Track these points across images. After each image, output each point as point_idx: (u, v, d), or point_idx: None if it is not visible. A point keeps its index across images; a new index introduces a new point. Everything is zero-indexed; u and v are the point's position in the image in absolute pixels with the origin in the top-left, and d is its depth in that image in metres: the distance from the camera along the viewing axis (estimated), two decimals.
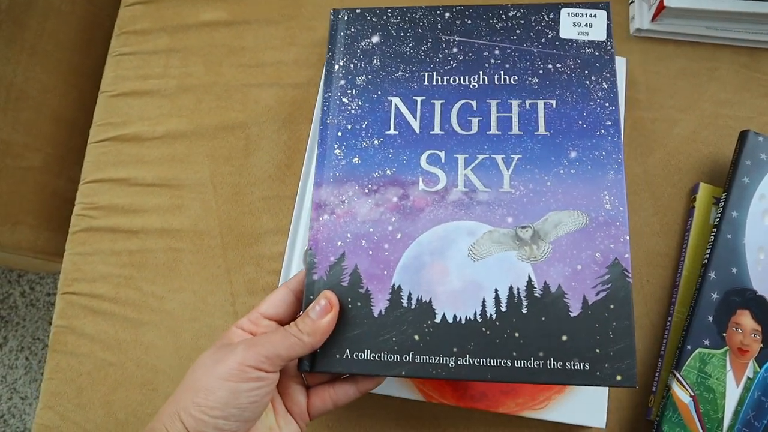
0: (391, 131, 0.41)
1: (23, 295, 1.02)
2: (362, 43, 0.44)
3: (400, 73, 0.43)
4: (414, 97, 0.42)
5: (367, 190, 0.40)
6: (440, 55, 0.43)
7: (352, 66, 0.43)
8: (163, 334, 0.50)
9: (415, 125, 0.42)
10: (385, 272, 0.38)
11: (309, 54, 0.55)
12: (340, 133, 0.42)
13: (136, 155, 0.55)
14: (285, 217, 0.51)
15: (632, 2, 0.56)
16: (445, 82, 0.43)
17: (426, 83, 0.43)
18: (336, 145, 0.41)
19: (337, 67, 0.44)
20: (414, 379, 0.46)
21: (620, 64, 0.53)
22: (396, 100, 0.42)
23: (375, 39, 0.44)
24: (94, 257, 0.53)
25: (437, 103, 0.42)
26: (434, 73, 0.43)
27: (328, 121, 0.42)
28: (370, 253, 0.39)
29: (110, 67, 0.58)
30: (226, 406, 0.32)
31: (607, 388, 0.44)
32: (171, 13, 0.58)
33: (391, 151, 0.41)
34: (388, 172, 0.41)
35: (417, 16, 0.44)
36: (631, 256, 0.49)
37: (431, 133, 0.41)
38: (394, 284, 0.38)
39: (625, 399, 0.47)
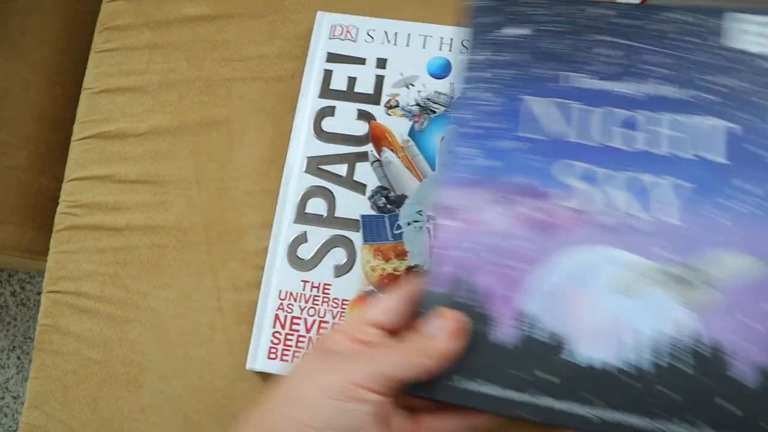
0: (536, 135, 0.35)
1: (14, 295, 1.02)
2: (507, 33, 0.38)
3: (540, 70, 0.37)
4: (558, 99, 0.36)
5: (499, 198, 0.35)
6: (598, 57, 0.36)
7: (494, 58, 0.37)
8: (148, 331, 0.50)
9: (567, 131, 0.35)
10: (512, 294, 0.33)
11: (292, 47, 0.55)
12: (473, 131, 0.36)
13: (119, 152, 0.54)
14: (269, 212, 0.51)
15: None
16: (586, 87, 0.36)
17: (572, 84, 0.36)
18: (467, 144, 0.36)
19: (475, 57, 0.38)
20: None
21: None
22: (532, 101, 0.36)
23: (522, 31, 0.38)
24: (79, 255, 0.52)
25: (575, 107, 0.36)
26: (574, 74, 0.36)
27: (459, 116, 0.37)
28: (497, 270, 0.33)
29: (92, 63, 0.57)
30: (328, 427, 0.28)
31: None
32: (153, 8, 0.58)
33: (529, 156, 0.35)
34: (526, 180, 0.35)
35: (571, 12, 0.38)
36: None
37: (582, 142, 0.35)
38: (520, 309, 0.33)
39: None
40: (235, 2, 0.57)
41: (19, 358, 1.01)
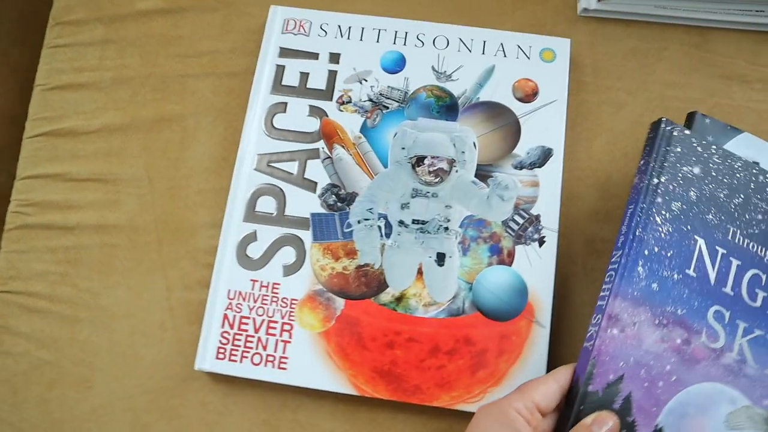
0: (691, 271, 0.41)
1: None
2: (684, 169, 0.43)
3: (710, 216, 0.42)
4: (716, 247, 0.42)
5: (657, 321, 0.40)
6: (747, 216, 0.42)
7: (671, 187, 0.42)
8: (99, 331, 0.49)
9: (712, 275, 0.41)
10: (653, 409, 0.39)
11: (245, 41, 0.54)
12: (646, 252, 0.41)
13: (71, 150, 0.53)
14: (221, 211, 0.50)
15: None
16: (745, 245, 0.42)
17: (729, 238, 0.42)
18: (641, 262, 0.40)
19: (656, 181, 0.42)
20: (348, 370, 0.45)
21: (564, 45, 0.51)
22: (701, 243, 0.41)
23: (696, 170, 0.43)
24: (30, 255, 0.52)
25: (734, 263, 0.41)
26: (738, 231, 0.42)
27: (638, 233, 0.41)
28: (645, 385, 0.39)
29: (45, 59, 0.56)
30: None
31: None
32: (106, 2, 0.57)
33: (686, 291, 0.40)
34: (679, 311, 0.40)
35: (736, 166, 0.43)
36: (573, 242, 0.48)
37: (723, 289, 0.41)
38: (657, 424, 0.38)
39: None
40: None
41: None
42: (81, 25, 0.56)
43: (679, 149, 0.43)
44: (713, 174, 0.43)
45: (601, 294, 0.42)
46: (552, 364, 0.45)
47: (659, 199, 0.42)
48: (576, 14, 0.54)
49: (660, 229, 0.41)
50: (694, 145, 0.43)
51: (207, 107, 0.53)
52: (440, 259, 0.46)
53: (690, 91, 0.52)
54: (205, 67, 0.54)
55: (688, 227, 0.42)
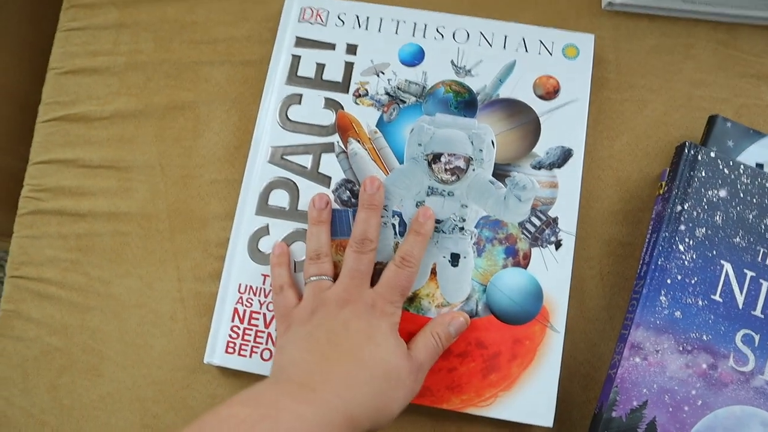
0: (717, 297, 0.41)
1: None
2: (709, 193, 0.43)
3: (738, 239, 0.42)
4: (745, 270, 0.42)
5: (681, 348, 0.41)
6: None
7: (695, 213, 0.42)
8: (109, 319, 0.49)
9: (740, 299, 0.41)
10: None
11: (261, 29, 0.53)
12: (669, 281, 0.41)
13: (83, 136, 0.53)
14: (233, 202, 0.49)
15: None
16: None
17: (759, 259, 0.42)
18: (663, 291, 0.41)
19: (680, 208, 0.42)
20: None
21: (587, 42, 0.50)
22: (728, 267, 0.42)
23: (722, 193, 0.43)
24: (42, 240, 0.51)
25: (764, 285, 0.41)
26: None
27: (660, 263, 0.42)
28: (670, 410, 0.40)
29: (59, 42, 0.55)
30: None
31: (557, 385, 0.43)
32: None
33: (712, 317, 0.41)
34: (704, 337, 0.41)
35: (767, 184, 0.43)
36: (590, 244, 0.48)
37: (752, 312, 0.41)
38: None
39: (576, 395, 0.45)
40: None
41: None
42: (95, 8, 0.55)
43: (703, 173, 0.43)
44: (741, 195, 0.42)
45: (624, 323, 0.43)
46: (565, 369, 0.44)
47: (682, 227, 0.42)
48: (600, 8, 0.53)
49: (683, 257, 0.42)
50: (721, 167, 0.43)
51: (221, 95, 0.52)
52: (454, 259, 0.45)
53: (716, 91, 0.51)
54: (220, 54, 0.53)
55: (714, 252, 0.42)
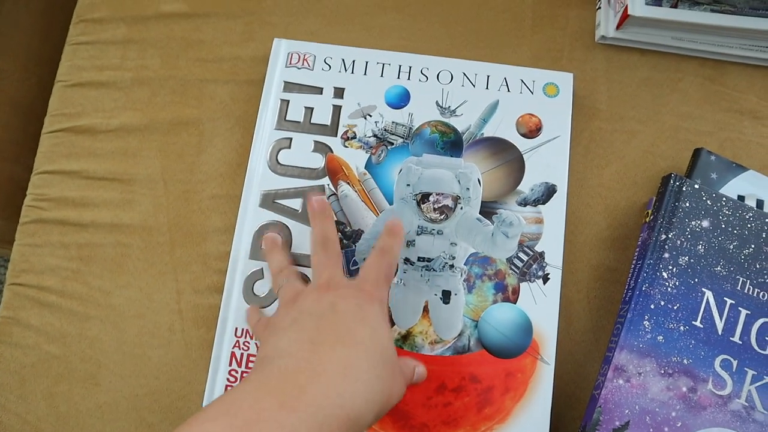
0: (698, 323, 0.43)
1: None
2: (693, 223, 0.45)
3: (719, 268, 0.44)
4: (725, 298, 0.44)
5: (662, 371, 0.42)
6: (757, 266, 0.44)
7: (678, 242, 0.44)
8: (108, 329, 0.50)
9: (719, 326, 0.43)
10: None
11: (266, 50, 0.54)
12: (652, 306, 0.43)
13: (88, 148, 0.54)
14: (233, 217, 0.51)
15: (599, 8, 0.55)
16: (755, 294, 0.44)
17: (738, 288, 0.44)
18: (646, 316, 0.43)
19: (664, 236, 0.45)
20: None
21: (566, 80, 0.51)
22: (709, 294, 0.44)
23: (705, 223, 0.45)
24: (43, 249, 0.52)
25: (743, 312, 0.43)
26: (748, 281, 0.44)
27: (644, 289, 0.44)
28: (651, 430, 0.41)
29: (67, 55, 0.57)
30: None
31: (549, 416, 0.45)
32: (130, 3, 0.57)
33: (693, 342, 0.43)
34: (685, 361, 0.43)
35: (747, 216, 0.45)
36: (578, 269, 0.49)
37: (731, 338, 0.43)
38: None
39: (562, 414, 0.47)
40: (213, 1, 0.57)
41: None
42: (104, 23, 0.57)
43: (687, 204, 0.45)
44: (723, 226, 0.45)
45: (609, 345, 0.44)
46: (556, 400, 0.45)
47: (666, 255, 0.44)
48: (594, 41, 0.55)
49: (666, 283, 0.44)
50: (704, 198, 0.45)
51: (225, 113, 0.54)
52: (446, 297, 0.47)
53: (701, 124, 0.53)
54: (225, 73, 0.55)
55: (696, 280, 0.44)
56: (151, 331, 0.50)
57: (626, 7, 0.50)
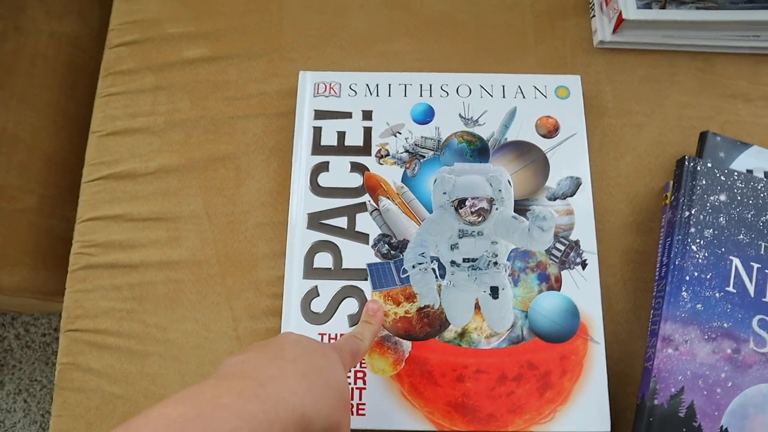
0: (731, 288, 0.46)
1: (18, 338, 1.02)
2: (711, 198, 0.48)
3: (741, 236, 0.48)
4: (751, 263, 0.47)
5: (706, 337, 0.45)
6: None
7: (701, 217, 0.48)
8: (168, 364, 0.52)
9: (750, 289, 0.46)
10: (716, 413, 0.44)
11: (291, 83, 0.57)
12: (687, 278, 0.46)
13: (130, 192, 0.56)
14: (280, 242, 0.53)
15: (593, 16, 0.60)
16: None
17: (762, 253, 0.47)
18: (684, 288, 0.46)
19: (687, 213, 0.48)
20: (423, 408, 0.47)
21: (575, 82, 0.56)
22: (736, 261, 0.47)
23: (722, 197, 0.48)
24: (95, 293, 0.54)
25: None
26: None
27: (678, 263, 0.47)
28: (705, 393, 0.44)
29: (99, 107, 0.59)
30: None
31: (607, 392, 0.47)
32: (155, 53, 0.60)
33: (729, 306, 0.46)
34: (725, 325, 0.46)
35: (759, 186, 0.49)
36: (610, 255, 0.52)
37: (763, 299, 0.46)
38: (722, 426, 0.44)
39: (615, 392, 0.49)
40: (234, 44, 0.60)
41: (25, 401, 1.00)
42: (132, 74, 0.60)
43: (704, 181, 0.49)
44: (739, 198, 0.48)
45: (652, 319, 0.48)
46: (611, 375, 0.48)
47: (692, 230, 0.48)
48: (593, 46, 0.59)
49: (697, 255, 0.47)
50: (717, 174, 0.49)
51: (259, 145, 0.57)
52: (494, 292, 0.49)
53: (701, 111, 0.57)
54: (254, 108, 0.58)
55: (722, 250, 0.47)
56: (212, 360, 0.51)
57: (620, 13, 0.55)
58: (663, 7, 0.56)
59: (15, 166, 0.61)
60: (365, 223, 0.52)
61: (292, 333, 0.39)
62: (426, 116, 0.55)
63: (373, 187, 0.53)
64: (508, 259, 0.50)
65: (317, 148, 0.54)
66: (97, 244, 0.55)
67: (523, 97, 0.55)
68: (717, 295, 0.46)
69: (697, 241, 0.47)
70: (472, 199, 0.51)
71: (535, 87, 0.55)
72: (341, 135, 0.54)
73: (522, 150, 0.53)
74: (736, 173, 0.49)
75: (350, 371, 0.48)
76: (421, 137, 0.54)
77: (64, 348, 0.53)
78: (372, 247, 0.51)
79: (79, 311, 0.54)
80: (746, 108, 0.57)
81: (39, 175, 0.62)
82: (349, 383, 0.47)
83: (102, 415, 0.51)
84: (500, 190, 0.52)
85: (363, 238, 0.51)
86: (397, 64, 0.59)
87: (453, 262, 0.50)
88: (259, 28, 0.60)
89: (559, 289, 0.49)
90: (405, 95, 0.55)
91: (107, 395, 0.51)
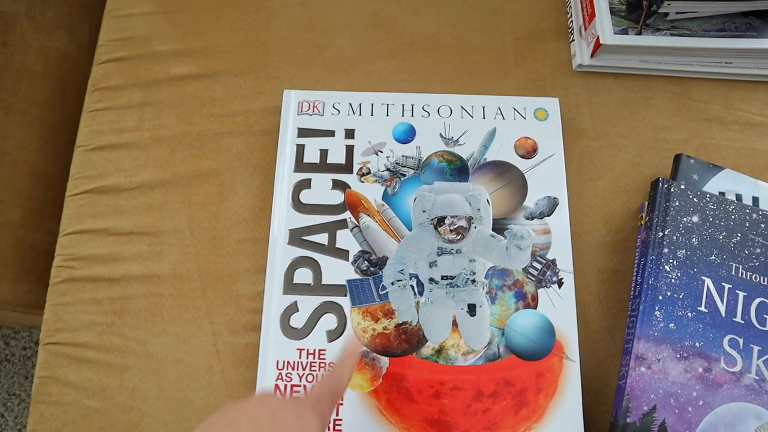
0: (702, 308, 0.48)
1: None
2: (684, 219, 0.50)
3: (713, 257, 0.49)
4: (723, 283, 0.48)
5: (678, 356, 0.46)
6: (746, 252, 0.49)
7: (675, 238, 0.49)
8: (147, 378, 0.52)
9: (722, 309, 0.48)
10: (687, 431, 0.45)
11: (276, 101, 0.58)
12: (660, 297, 0.48)
13: (113, 206, 0.57)
14: (261, 258, 0.53)
15: (572, 40, 0.61)
16: (748, 277, 0.49)
17: (733, 273, 0.49)
18: (657, 307, 0.47)
19: (661, 234, 0.49)
20: (400, 424, 0.48)
21: (554, 104, 0.57)
22: (708, 281, 0.48)
23: (695, 218, 0.50)
24: (76, 307, 0.54)
25: (740, 294, 0.48)
26: (740, 266, 0.49)
27: (651, 282, 0.48)
28: (677, 411, 0.45)
29: (85, 122, 0.60)
30: None
31: (581, 409, 0.48)
32: (142, 69, 0.61)
33: (701, 326, 0.47)
34: (697, 344, 0.47)
35: (730, 209, 0.50)
36: (587, 274, 0.53)
37: (734, 319, 0.47)
38: None
39: (590, 409, 0.50)
40: (221, 62, 0.61)
41: (2, 415, 0.99)
42: (119, 90, 0.60)
43: (677, 203, 0.50)
44: (711, 219, 0.50)
45: (627, 338, 0.49)
46: (586, 393, 0.49)
47: (666, 250, 0.49)
48: (572, 69, 0.61)
49: (669, 275, 0.48)
50: (690, 196, 0.50)
51: (242, 162, 0.57)
52: (471, 309, 0.50)
53: (676, 133, 0.59)
54: (239, 125, 0.59)
55: (695, 270, 0.48)
56: (191, 375, 0.52)
57: (598, 38, 0.57)
58: (639, 33, 0.57)
59: (1, 180, 0.61)
60: (345, 239, 0.52)
61: (266, 402, 0.35)
62: (407, 135, 0.56)
63: (354, 204, 0.53)
64: (485, 277, 0.51)
65: (300, 165, 0.55)
66: (80, 258, 0.55)
67: (503, 118, 0.56)
68: (689, 314, 0.47)
69: (671, 261, 0.49)
70: (452, 217, 0.52)
71: (515, 108, 0.57)
72: (324, 153, 0.55)
73: (501, 170, 0.54)
74: (708, 195, 0.50)
75: None
76: (402, 156, 0.55)
77: (42, 361, 0.53)
78: (352, 263, 0.52)
79: (59, 324, 0.54)
80: (720, 132, 0.59)
81: (23, 188, 0.62)
82: None
83: (79, 429, 0.51)
84: (479, 209, 0.53)
85: (343, 254, 0.52)
86: (380, 84, 0.60)
87: (431, 280, 0.51)
88: (246, 47, 0.62)
89: (535, 308, 0.50)
90: (387, 115, 0.56)
91: (85, 409, 0.51)
